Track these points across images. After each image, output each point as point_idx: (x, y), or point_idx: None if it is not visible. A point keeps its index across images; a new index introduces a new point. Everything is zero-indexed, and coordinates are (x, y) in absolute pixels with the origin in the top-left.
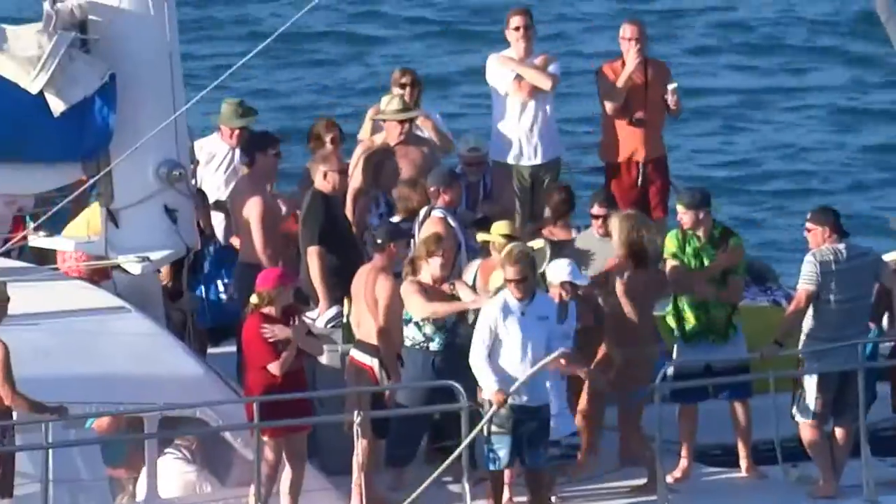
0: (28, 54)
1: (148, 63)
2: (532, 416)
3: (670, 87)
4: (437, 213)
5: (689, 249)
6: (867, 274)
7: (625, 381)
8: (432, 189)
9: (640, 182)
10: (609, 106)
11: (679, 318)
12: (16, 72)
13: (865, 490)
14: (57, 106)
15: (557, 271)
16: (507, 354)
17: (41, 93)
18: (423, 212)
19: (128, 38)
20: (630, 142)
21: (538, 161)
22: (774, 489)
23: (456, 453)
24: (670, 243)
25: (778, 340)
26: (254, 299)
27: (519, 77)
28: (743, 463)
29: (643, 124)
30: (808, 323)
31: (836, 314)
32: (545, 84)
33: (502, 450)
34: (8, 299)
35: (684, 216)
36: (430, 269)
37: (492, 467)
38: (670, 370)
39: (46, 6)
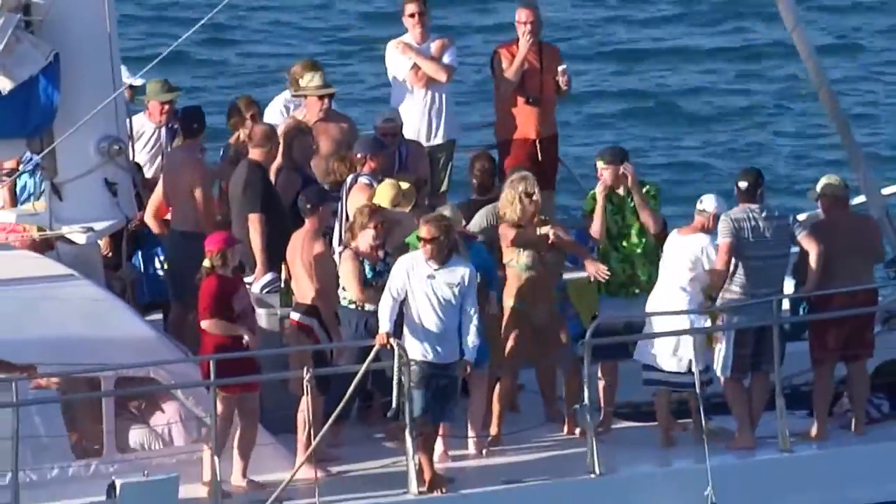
0: None
1: (89, 42)
2: (443, 372)
3: (561, 67)
4: (363, 180)
5: (610, 206)
6: (781, 234)
7: (544, 342)
8: (359, 156)
9: (535, 158)
10: (505, 86)
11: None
12: None
13: (780, 441)
14: (4, 84)
15: None
16: (415, 311)
17: None
18: (349, 179)
19: (70, 19)
20: (525, 120)
21: (435, 142)
22: (693, 440)
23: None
24: (589, 203)
25: (710, 296)
26: (206, 263)
27: (416, 66)
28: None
29: (538, 104)
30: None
31: (752, 272)
32: (441, 77)
33: (416, 403)
34: None
35: (605, 171)
36: (365, 239)
37: (410, 420)
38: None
39: None
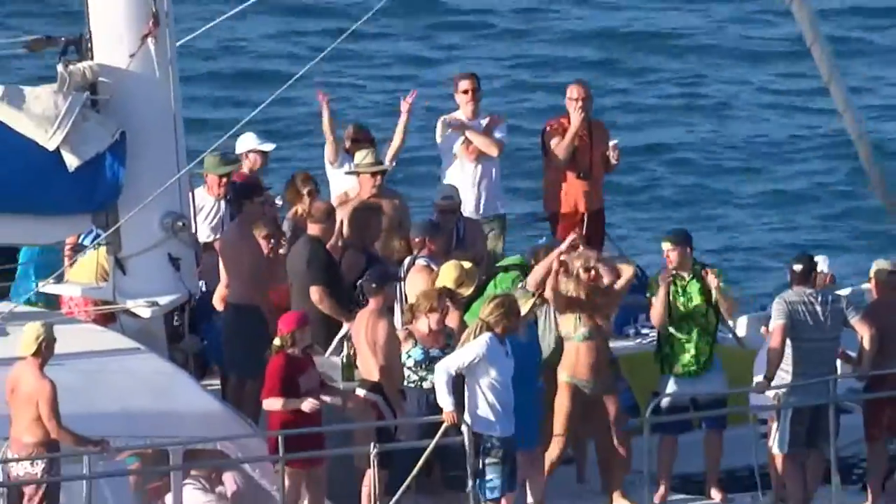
0: (45, 113)
1: (154, 121)
2: (513, 445)
3: (612, 142)
4: (420, 262)
5: (674, 288)
6: (836, 317)
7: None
8: (417, 240)
9: (583, 231)
10: (557, 160)
11: (669, 351)
12: (33, 130)
13: None
14: (72, 162)
15: None
16: (487, 387)
17: (57, 149)
18: (407, 260)
19: (135, 98)
20: (575, 194)
21: (482, 214)
22: None
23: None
24: (653, 287)
25: (766, 376)
26: (277, 342)
27: (467, 141)
28: (715, 491)
29: (588, 178)
30: (783, 362)
31: (805, 354)
32: (492, 151)
33: (497, 479)
34: (55, 340)
35: (672, 253)
36: (429, 322)
37: (490, 496)
38: (664, 402)
39: (60, 68)
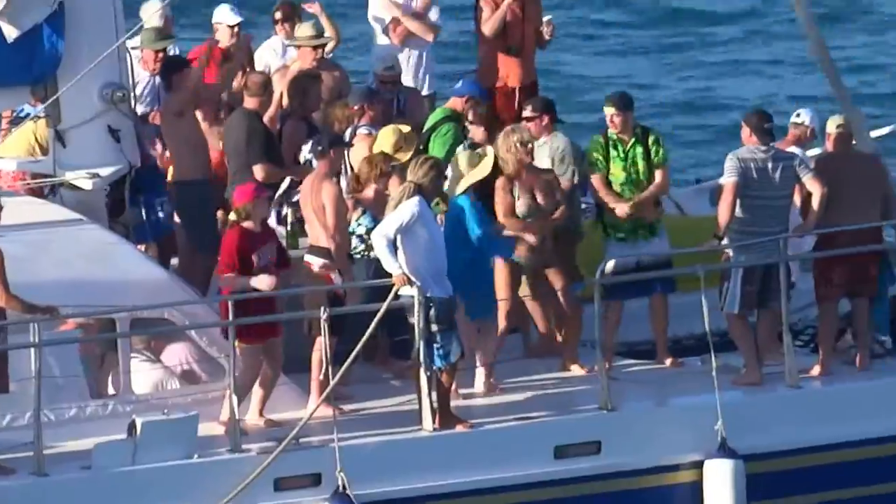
0: None
1: None
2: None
3: (546, 18)
4: (362, 130)
5: (615, 153)
6: (787, 175)
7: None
8: (356, 107)
9: (515, 104)
10: (487, 34)
11: (612, 216)
12: None
13: (787, 376)
14: (10, 32)
15: None
16: (425, 249)
17: None
18: (349, 130)
19: None
20: (506, 68)
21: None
22: (700, 378)
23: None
24: (594, 150)
25: (717, 235)
26: (232, 215)
27: (395, 21)
28: (664, 356)
29: (518, 54)
30: (733, 219)
31: (758, 210)
32: (428, 37)
33: (448, 344)
34: (1, 208)
35: (616, 118)
36: (375, 186)
37: (441, 363)
38: (609, 265)
39: None
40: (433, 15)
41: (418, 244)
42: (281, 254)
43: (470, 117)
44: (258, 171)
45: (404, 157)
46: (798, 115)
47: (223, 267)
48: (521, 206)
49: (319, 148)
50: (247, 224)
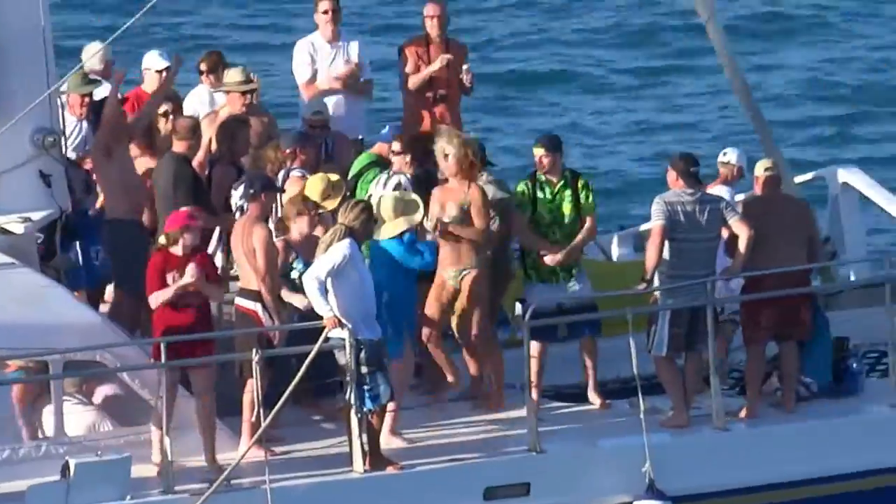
0: None
1: (23, 35)
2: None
3: (465, 66)
4: (295, 173)
5: (543, 195)
6: (714, 217)
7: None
8: (288, 151)
9: None
10: (411, 89)
11: (535, 258)
12: None
13: (715, 419)
14: None
15: None
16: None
17: None
18: (281, 173)
19: (4, 13)
20: (431, 116)
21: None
22: (628, 420)
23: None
24: (520, 192)
25: (644, 278)
26: (161, 240)
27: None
28: (594, 396)
29: (445, 100)
30: (661, 262)
31: (685, 253)
32: (367, 96)
33: (382, 385)
34: None
35: (545, 159)
36: (299, 227)
37: (372, 405)
38: (531, 308)
39: None
40: (367, 72)
41: (349, 287)
42: (211, 269)
43: (395, 148)
44: None
45: (331, 204)
46: (725, 154)
47: (149, 291)
48: (451, 209)
49: (251, 191)
50: (172, 249)
